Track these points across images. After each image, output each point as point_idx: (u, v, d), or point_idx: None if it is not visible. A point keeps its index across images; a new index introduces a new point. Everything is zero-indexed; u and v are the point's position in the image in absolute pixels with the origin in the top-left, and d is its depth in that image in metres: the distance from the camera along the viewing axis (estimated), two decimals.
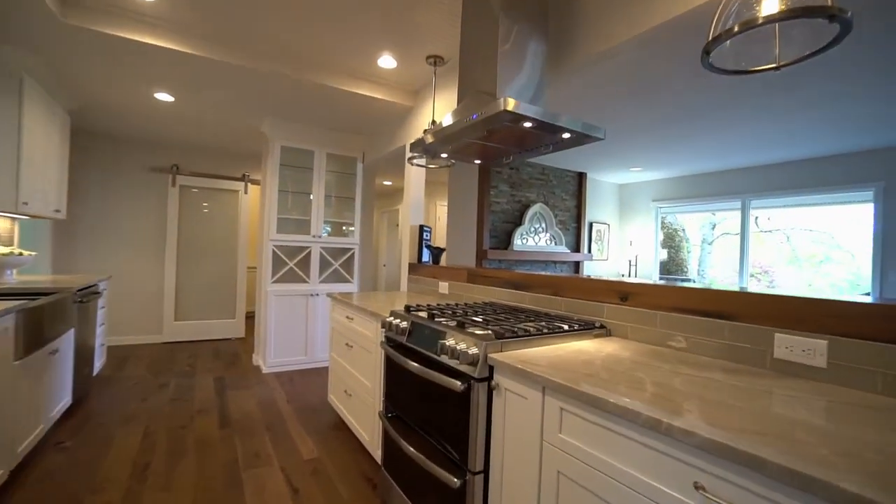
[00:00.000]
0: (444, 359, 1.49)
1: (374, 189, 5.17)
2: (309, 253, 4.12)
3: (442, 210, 6.79)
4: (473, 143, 1.90)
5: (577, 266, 5.87)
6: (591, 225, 6.10)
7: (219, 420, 2.82)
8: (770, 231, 5.55)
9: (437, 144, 1.95)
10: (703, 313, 1.45)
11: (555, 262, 5.57)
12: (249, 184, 5.36)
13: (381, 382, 2.13)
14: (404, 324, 1.82)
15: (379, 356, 2.17)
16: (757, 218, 5.86)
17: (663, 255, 6.27)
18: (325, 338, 4.19)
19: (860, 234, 4.55)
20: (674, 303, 1.54)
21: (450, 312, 1.84)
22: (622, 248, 6.57)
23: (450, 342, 1.48)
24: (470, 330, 1.51)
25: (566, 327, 1.61)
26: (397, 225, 8.35)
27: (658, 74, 2.83)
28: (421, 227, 3.28)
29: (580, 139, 1.75)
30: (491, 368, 1.37)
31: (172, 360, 4.27)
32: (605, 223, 6.42)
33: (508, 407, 1.30)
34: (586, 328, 1.66)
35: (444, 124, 1.88)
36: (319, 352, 4.16)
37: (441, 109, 2.95)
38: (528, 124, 1.59)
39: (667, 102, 3.34)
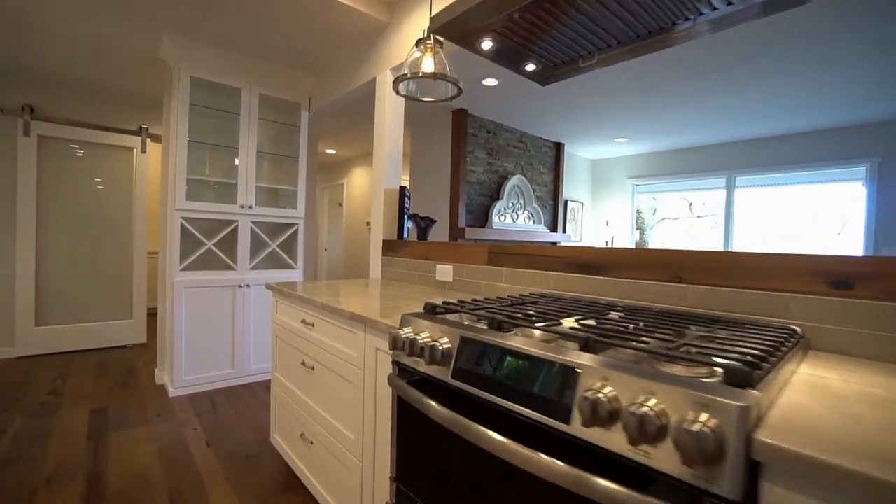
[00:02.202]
0: (595, 435, 0.65)
1: (317, 155, 4.12)
2: (235, 229, 3.01)
3: None
4: (558, 5, 1.04)
5: None
6: (566, 203, 5.50)
7: (85, 492, 1.74)
8: (703, 216, 5.43)
9: (494, 6, 1.06)
10: None
11: (532, 244, 4.88)
12: (149, 140, 4.02)
13: (385, 440, 1.24)
14: (445, 342, 0.94)
15: (374, 392, 1.26)
16: (692, 203, 5.72)
17: (637, 236, 5.87)
18: (261, 343, 3.13)
19: (819, 214, 4.40)
20: None
21: (520, 315, 1.00)
22: (596, 228, 6.09)
23: (606, 393, 0.63)
24: (635, 356, 0.68)
25: (773, 342, 0.83)
26: (340, 204, 7.26)
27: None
28: (402, 189, 2.37)
29: (771, 4, 0.96)
30: (752, 467, 0.54)
31: (26, 384, 2.96)
32: (579, 201, 5.87)
33: None
34: (786, 338, 0.90)
35: None
36: (254, 361, 3.10)
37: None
38: None
39: (661, 58, 2.80)
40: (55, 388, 2.87)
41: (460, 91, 1.89)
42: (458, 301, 1.21)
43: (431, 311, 1.10)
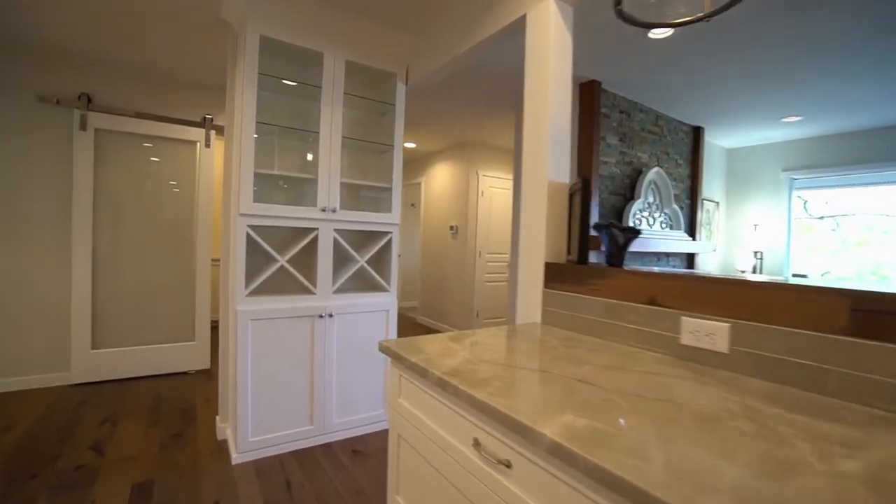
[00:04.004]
0: None
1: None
2: (315, 240, 2.28)
3: (488, 182, 4.96)
4: None
5: (689, 261, 4.14)
6: (702, 203, 4.36)
7: None
8: (821, 217, 4.30)
9: None
10: None
11: (668, 256, 3.83)
12: (213, 132, 3.44)
13: None
14: None
15: None
16: (807, 202, 4.40)
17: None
18: (347, 388, 2.38)
19: None
20: None
21: None
22: (735, 234, 4.87)
23: None
24: None
25: None
26: (413, 205, 6.55)
27: None
28: (585, 182, 1.47)
29: None
30: None
31: (69, 429, 2.40)
32: (714, 200, 4.70)
33: None
34: None
35: None
36: (338, 415, 2.36)
37: None
38: None
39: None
40: (99, 441, 2.28)
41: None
42: None
43: None
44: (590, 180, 1.54)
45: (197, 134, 3.38)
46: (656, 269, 1.41)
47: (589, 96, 3.05)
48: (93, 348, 3.11)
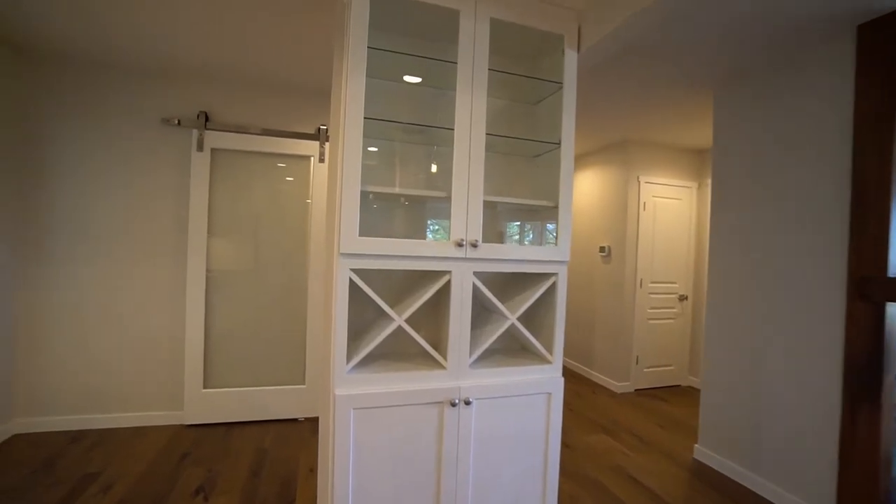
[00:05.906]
0: None
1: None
2: (446, 286, 1.54)
3: (653, 191, 3.82)
4: None
5: None
6: None
7: None
8: None
9: None
10: None
11: None
12: (328, 145, 3.00)
13: None
14: None
15: None
16: None
17: None
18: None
19: None
20: None
21: None
22: None
23: None
24: None
25: None
26: None
27: None
28: None
29: None
30: None
31: (167, 494, 2.02)
32: None
33: None
34: None
35: None
36: None
37: None
38: None
39: None
40: None
41: None
42: None
43: None
44: None
45: (311, 147, 2.97)
46: None
47: (875, 51, 1.84)
48: (204, 387, 2.84)
